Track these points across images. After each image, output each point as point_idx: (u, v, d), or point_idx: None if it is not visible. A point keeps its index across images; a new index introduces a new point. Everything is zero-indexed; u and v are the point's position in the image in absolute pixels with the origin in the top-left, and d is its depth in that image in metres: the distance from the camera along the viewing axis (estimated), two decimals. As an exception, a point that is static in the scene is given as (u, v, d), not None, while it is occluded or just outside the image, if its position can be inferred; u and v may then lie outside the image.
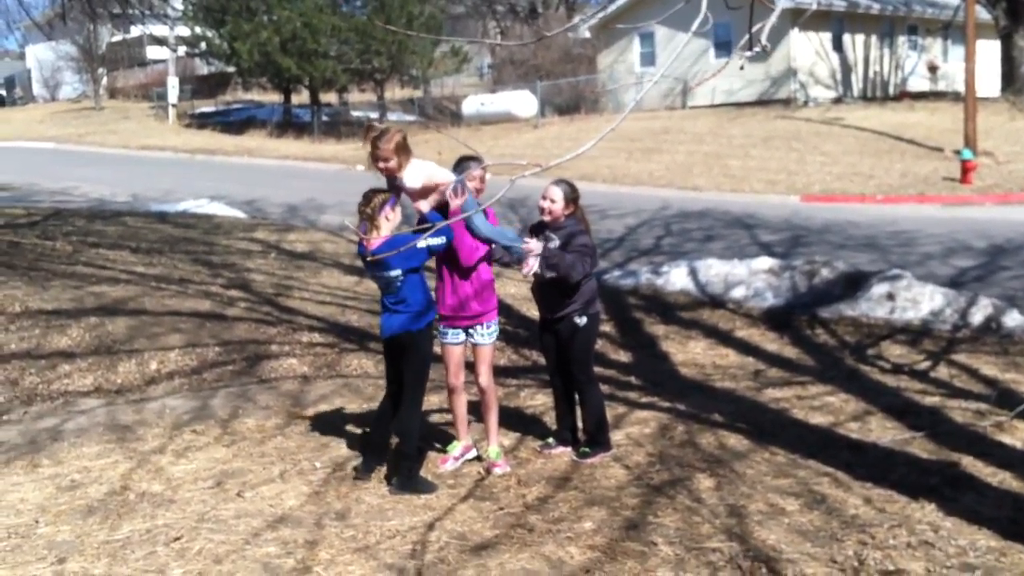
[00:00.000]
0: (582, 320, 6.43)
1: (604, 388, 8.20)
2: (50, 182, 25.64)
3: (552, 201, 6.33)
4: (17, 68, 75.21)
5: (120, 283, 11.36)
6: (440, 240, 5.81)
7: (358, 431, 7.01)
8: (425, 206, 5.95)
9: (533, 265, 6.12)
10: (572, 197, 6.37)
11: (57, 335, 9.36)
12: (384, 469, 6.19)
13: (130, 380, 8.45)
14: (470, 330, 6.25)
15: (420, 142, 34.09)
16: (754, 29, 3.35)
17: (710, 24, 3.41)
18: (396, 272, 5.83)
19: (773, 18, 3.45)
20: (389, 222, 5.89)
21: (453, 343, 6.32)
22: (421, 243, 5.75)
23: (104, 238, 14.69)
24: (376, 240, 5.81)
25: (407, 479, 5.96)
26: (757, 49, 3.37)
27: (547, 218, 6.34)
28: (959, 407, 7.49)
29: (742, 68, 3.49)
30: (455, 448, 6.53)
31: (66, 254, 13.14)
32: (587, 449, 6.54)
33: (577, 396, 6.63)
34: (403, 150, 5.85)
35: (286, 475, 6.26)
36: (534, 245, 6.12)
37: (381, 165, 5.87)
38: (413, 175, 5.87)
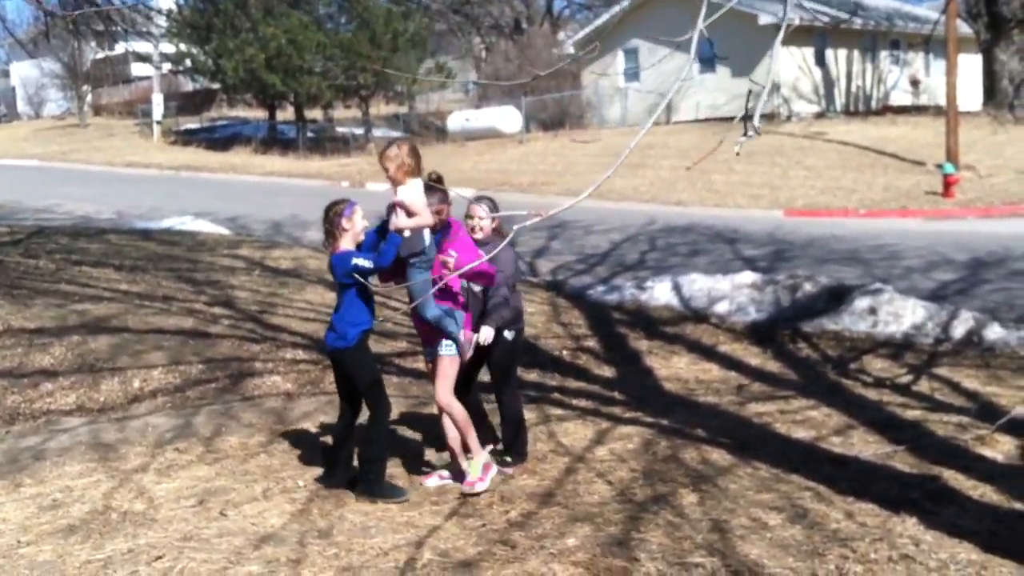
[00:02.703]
0: (510, 335, 6.59)
1: (587, 403, 8.25)
2: (34, 200, 25.56)
3: (480, 219, 6.36)
4: (1, 86, 75.01)
5: (103, 301, 11.33)
6: (367, 263, 5.79)
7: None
8: (399, 223, 5.89)
9: (469, 352, 6.14)
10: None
11: (39, 353, 9.33)
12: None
13: (113, 398, 8.43)
14: (437, 346, 6.20)
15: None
16: (750, 107, 3.42)
17: (697, 71, 3.49)
18: (340, 284, 5.96)
19: (764, 98, 3.53)
20: (348, 231, 5.91)
21: (428, 360, 6.35)
22: (356, 259, 5.81)
23: (87, 256, 14.65)
24: (338, 250, 5.91)
25: (369, 483, 6.04)
26: (751, 134, 3.49)
27: (479, 236, 6.33)
28: (940, 420, 7.53)
29: (738, 155, 3.57)
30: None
31: (49, 272, 13.11)
32: (507, 458, 6.67)
33: (498, 407, 6.79)
34: (402, 165, 5.86)
35: (269, 493, 6.25)
36: (470, 338, 6.10)
37: (386, 174, 5.94)
38: (405, 193, 5.88)
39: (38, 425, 7.75)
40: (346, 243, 5.91)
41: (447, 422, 6.27)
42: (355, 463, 6.24)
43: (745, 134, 3.39)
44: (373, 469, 6.07)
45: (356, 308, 5.92)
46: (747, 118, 3.41)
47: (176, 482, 6.46)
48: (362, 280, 5.81)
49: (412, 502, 6.08)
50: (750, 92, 3.38)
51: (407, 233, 5.80)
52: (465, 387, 6.54)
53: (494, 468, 6.34)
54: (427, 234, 5.93)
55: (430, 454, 7.07)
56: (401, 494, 6.05)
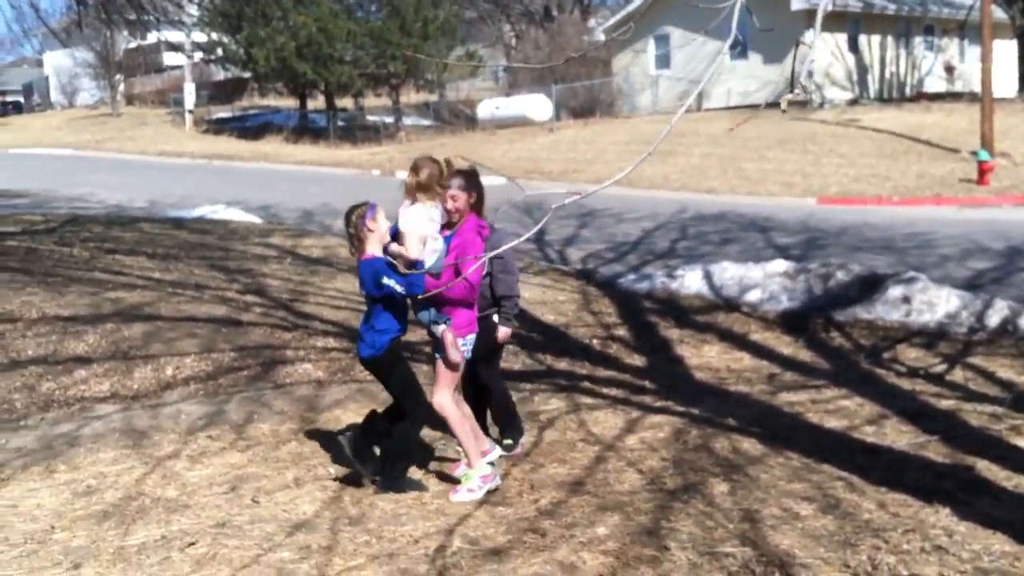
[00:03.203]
0: (496, 319, 6.57)
1: (617, 392, 8.23)
2: (67, 188, 25.79)
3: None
4: (35, 75, 75.73)
5: (136, 289, 11.42)
6: (399, 288, 5.72)
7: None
8: (391, 247, 5.83)
9: (453, 355, 5.94)
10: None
11: (74, 341, 9.42)
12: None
13: (146, 385, 8.49)
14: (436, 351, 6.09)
15: (436, 146, 34.22)
16: (797, 69, 3.40)
17: (740, 44, 3.46)
18: (369, 296, 5.91)
19: (811, 57, 3.49)
20: (373, 232, 5.82)
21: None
22: (388, 281, 5.71)
23: (121, 244, 14.78)
24: (365, 255, 5.85)
25: (391, 479, 6.00)
26: (798, 91, 3.44)
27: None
28: (974, 410, 7.46)
29: (784, 112, 3.54)
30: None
31: (83, 260, 13.23)
32: (509, 441, 6.68)
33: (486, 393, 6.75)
34: (419, 184, 5.87)
35: (300, 481, 6.28)
36: (447, 338, 5.93)
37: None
38: (408, 217, 5.86)
39: (72, 412, 7.82)
40: (372, 246, 5.81)
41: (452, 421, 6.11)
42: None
43: (792, 90, 3.36)
44: (397, 467, 6.05)
45: (385, 317, 5.87)
46: (793, 81, 3.37)
47: (208, 469, 6.51)
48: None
49: (442, 490, 6.09)
50: (797, 45, 3.35)
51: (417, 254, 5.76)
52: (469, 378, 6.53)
53: (493, 482, 6.06)
54: (431, 246, 5.87)
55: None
56: (422, 489, 6.06)
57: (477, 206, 6.20)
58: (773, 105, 31.52)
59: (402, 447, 6.08)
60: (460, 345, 5.94)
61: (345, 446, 6.05)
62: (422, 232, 5.82)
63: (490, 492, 6.02)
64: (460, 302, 5.99)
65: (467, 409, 6.33)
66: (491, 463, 6.14)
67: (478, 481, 6.00)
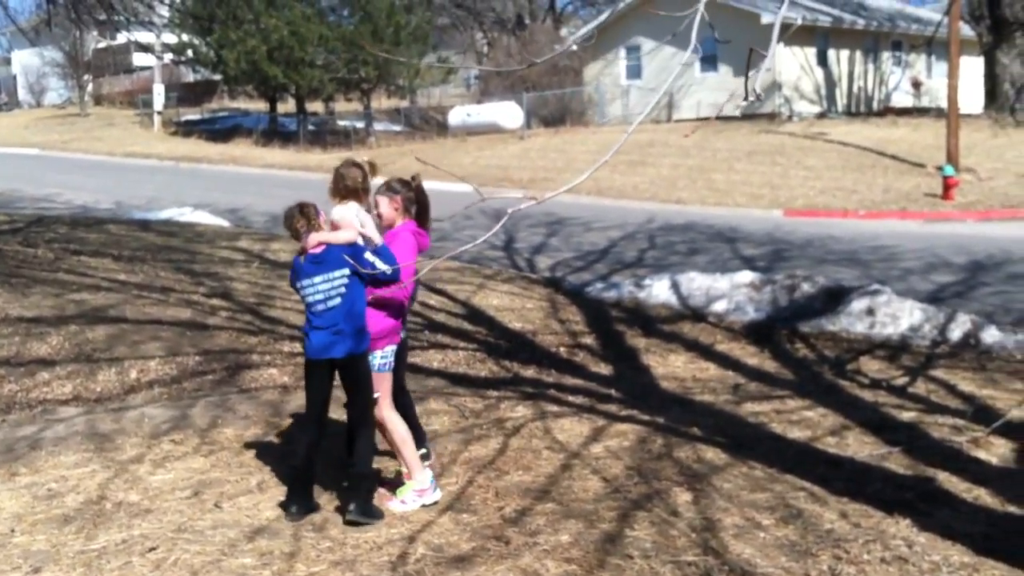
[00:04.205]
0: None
1: (583, 400, 8.25)
2: (33, 188, 25.57)
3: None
4: (2, 74, 74.98)
5: (101, 291, 11.34)
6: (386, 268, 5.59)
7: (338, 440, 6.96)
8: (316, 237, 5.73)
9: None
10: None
11: (37, 342, 9.34)
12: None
13: (109, 389, 8.43)
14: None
15: (406, 152, 34.14)
16: (750, 73, 3.42)
17: (700, 54, 3.50)
18: (342, 276, 5.64)
19: (765, 65, 3.52)
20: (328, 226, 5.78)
21: None
22: (371, 256, 5.62)
23: (86, 245, 14.66)
24: (313, 241, 5.68)
25: (364, 503, 5.68)
26: (752, 98, 3.46)
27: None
28: (936, 422, 7.53)
29: (740, 116, 3.56)
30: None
31: (48, 261, 13.11)
32: (423, 450, 6.48)
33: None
34: (346, 188, 5.88)
35: (264, 486, 6.25)
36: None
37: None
38: (341, 212, 5.85)
39: (34, 414, 7.75)
40: (327, 234, 5.75)
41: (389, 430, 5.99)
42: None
43: (746, 97, 3.38)
44: (366, 486, 5.77)
45: (363, 306, 5.77)
46: (748, 79, 3.40)
47: (171, 473, 6.47)
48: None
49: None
50: (751, 53, 3.37)
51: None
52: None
53: (429, 495, 5.93)
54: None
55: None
56: (381, 515, 5.74)
57: (419, 215, 6.13)
58: (728, 119, 31.74)
59: (370, 463, 5.87)
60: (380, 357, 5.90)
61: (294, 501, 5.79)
62: (356, 225, 5.81)
63: (454, 498, 6.01)
64: (387, 305, 5.91)
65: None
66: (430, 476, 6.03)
67: (413, 495, 5.91)
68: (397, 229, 6.05)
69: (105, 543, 5.33)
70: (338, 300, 5.63)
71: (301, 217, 5.72)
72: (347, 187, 5.89)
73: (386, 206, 6.06)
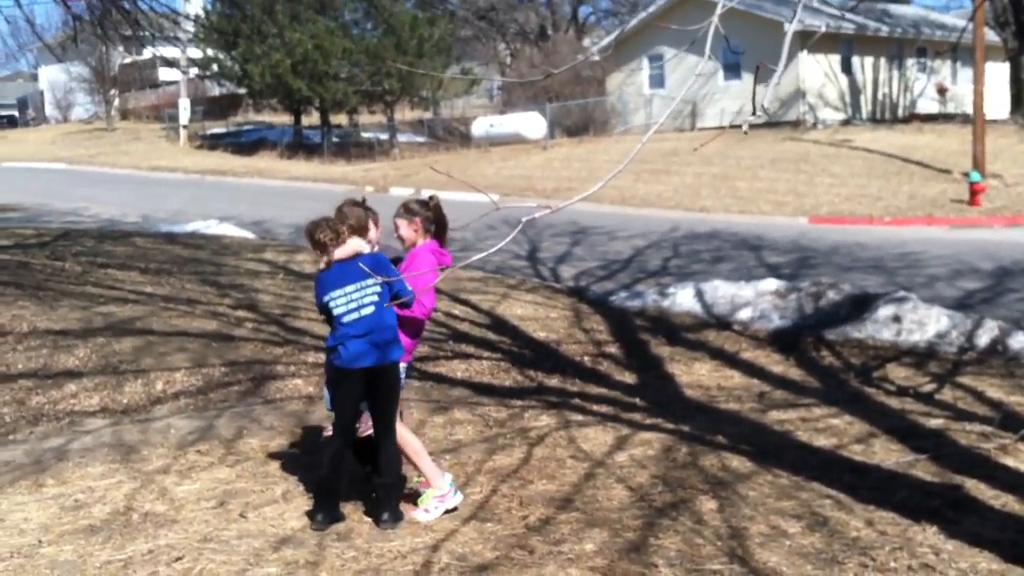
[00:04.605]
0: None
1: (608, 409, 8.24)
2: (61, 202, 25.80)
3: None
4: (29, 89, 75.83)
5: (128, 303, 11.41)
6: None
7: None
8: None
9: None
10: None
11: (64, 355, 9.41)
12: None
13: (136, 400, 8.47)
14: None
15: (429, 163, 34.19)
16: (758, 94, 3.41)
17: (719, 66, 3.47)
18: (374, 283, 5.68)
19: (776, 80, 3.50)
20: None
21: None
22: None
23: (113, 258, 14.77)
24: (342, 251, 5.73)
25: (395, 510, 5.76)
26: (760, 114, 3.45)
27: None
28: (963, 430, 7.47)
29: (746, 134, 3.56)
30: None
31: (75, 274, 13.21)
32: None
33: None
34: (351, 228, 5.88)
35: (289, 496, 6.27)
36: None
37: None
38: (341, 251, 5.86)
39: (61, 426, 7.80)
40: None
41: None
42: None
43: (753, 113, 3.37)
44: (396, 494, 5.83)
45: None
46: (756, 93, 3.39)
47: (197, 484, 6.50)
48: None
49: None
50: (758, 69, 3.36)
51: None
52: None
53: (450, 499, 5.95)
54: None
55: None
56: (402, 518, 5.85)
57: (438, 235, 6.16)
58: (735, 127, 31.63)
59: (398, 471, 5.90)
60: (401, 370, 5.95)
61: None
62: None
63: (478, 507, 6.01)
64: (406, 323, 5.96)
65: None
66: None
67: (434, 502, 5.92)
68: (418, 249, 6.09)
69: (132, 553, 5.36)
70: (371, 308, 5.66)
71: (328, 229, 5.74)
72: (352, 226, 5.91)
73: (406, 228, 6.10)
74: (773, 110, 33.62)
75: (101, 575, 5.09)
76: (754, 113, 3.36)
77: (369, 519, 5.84)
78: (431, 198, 6.18)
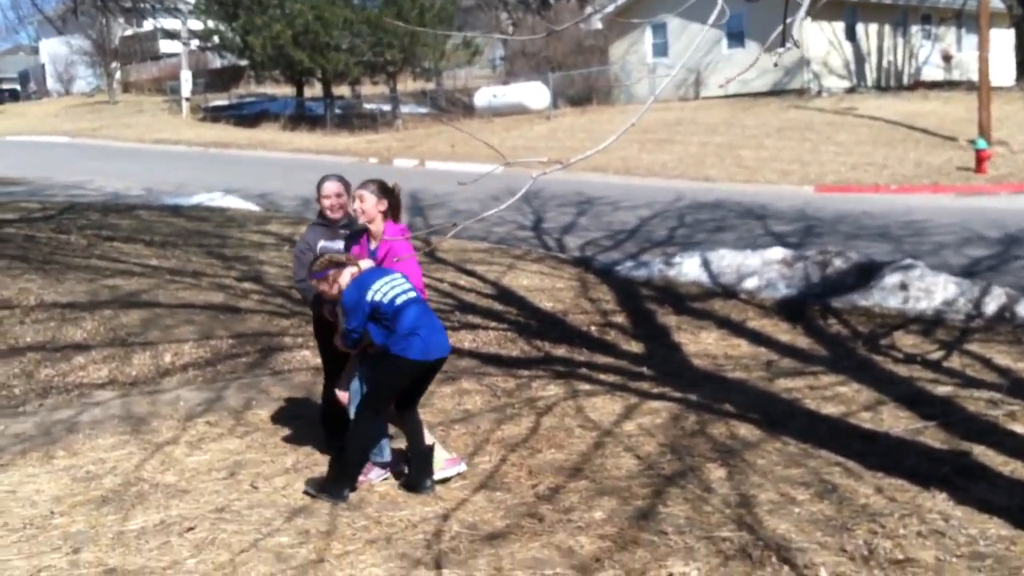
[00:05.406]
0: None
1: (615, 378, 8.24)
2: (64, 176, 25.75)
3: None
4: (31, 63, 75.59)
5: (134, 276, 11.42)
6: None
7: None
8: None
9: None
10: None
11: (72, 328, 9.42)
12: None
13: (144, 372, 8.50)
14: None
15: (433, 134, 34.16)
16: (787, 22, 3.36)
17: (727, 16, 3.42)
18: (398, 274, 5.86)
19: (802, 13, 3.46)
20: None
21: None
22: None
23: (118, 231, 14.76)
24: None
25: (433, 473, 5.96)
26: (789, 46, 3.40)
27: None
28: (971, 396, 7.48)
29: (776, 65, 3.51)
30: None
31: (81, 247, 13.21)
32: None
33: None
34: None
35: (299, 466, 6.30)
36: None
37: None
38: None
39: (71, 398, 7.82)
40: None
41: None
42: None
43: (783, 44, 3.33)
44: (432, 460, 5.96)
45: None
46: (784, 30, 3.34)
47: (207, 455, 6.52)
48: None
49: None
50: (787, 2, 3.32)
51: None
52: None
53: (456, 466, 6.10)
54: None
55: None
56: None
57: (394, 216, 6.19)
58: (756, 95, 31.47)
59: (425, 443, 5.99)
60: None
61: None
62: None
63: (488, 476, 6.03)
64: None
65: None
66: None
67: (442, 463, 6.02)
68: (394, 236, 6.09)
69: (143, 524, 5.39)
70: (414, 294, 5.74)
71: (331, 264, 5.80)
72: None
73: (374, 205, 6.06)
74: (778, 79, 33.48)
75: (114, 545, 5.11)
76: (783, 44, 3.31)
77: (380, 488, 5.87)
78: (395, 186, 6.21)
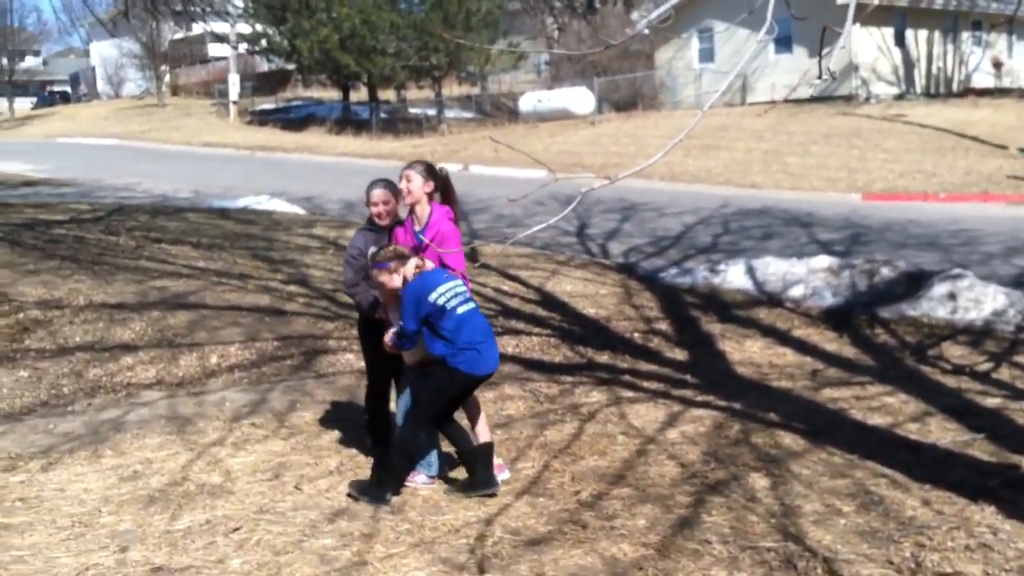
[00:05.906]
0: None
1: (658, 386, 8.21)
2: (114, 178, 26.09)
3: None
4: (82, 65, 76.72)
5: (182, 278, 11.54)
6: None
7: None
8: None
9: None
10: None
11: (120, 328, 9.54)
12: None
13: (191, 373, 8.58)
14: None
15: (477, 139, 34.19)
16: (824, 52, 3.35)
17: (775, 33, 3.41)
18: (456, 280, 5.88)
19: (840, 43, 3.45)
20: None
21: None
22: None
23: (166, 233, 14.93)
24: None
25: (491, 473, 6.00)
26: (826, 78, 3.40)
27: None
28: (1020, 409, 7.37)
29: (815, 98, 3.50)
30: None
31: (129, 249, 13.38)
32: None
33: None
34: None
35: (342, 468, 6.33)
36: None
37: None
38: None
39: (118, 398, 7.92)
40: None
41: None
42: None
43: (820, 76, 3.32)
44: (483, 459, 6.00)
45: None
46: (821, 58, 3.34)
47: (252, 456, 6.57)
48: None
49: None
50: (825, 30, 3.31)
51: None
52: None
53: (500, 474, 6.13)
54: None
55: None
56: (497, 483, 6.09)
57: (447, 201, 6.18)
58: (803, 101, 31.23)
59: (473, 445, 6.04)
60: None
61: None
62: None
63: (530, 483, 6.03)
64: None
65: None
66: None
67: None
68: (434, 221, 6.07)
69: (189, 523, 5.44)
70: (473, 304, 5.78)
71: (395, 256, 5.80)
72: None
73: (420, 186, 6.09)
74: (823, 81, 33.17)
75: (160, 544, 5.17)
76: (820, 77, 3.31)
77: (423, 493, 5.89)
78: (441, 169, 6.22)
